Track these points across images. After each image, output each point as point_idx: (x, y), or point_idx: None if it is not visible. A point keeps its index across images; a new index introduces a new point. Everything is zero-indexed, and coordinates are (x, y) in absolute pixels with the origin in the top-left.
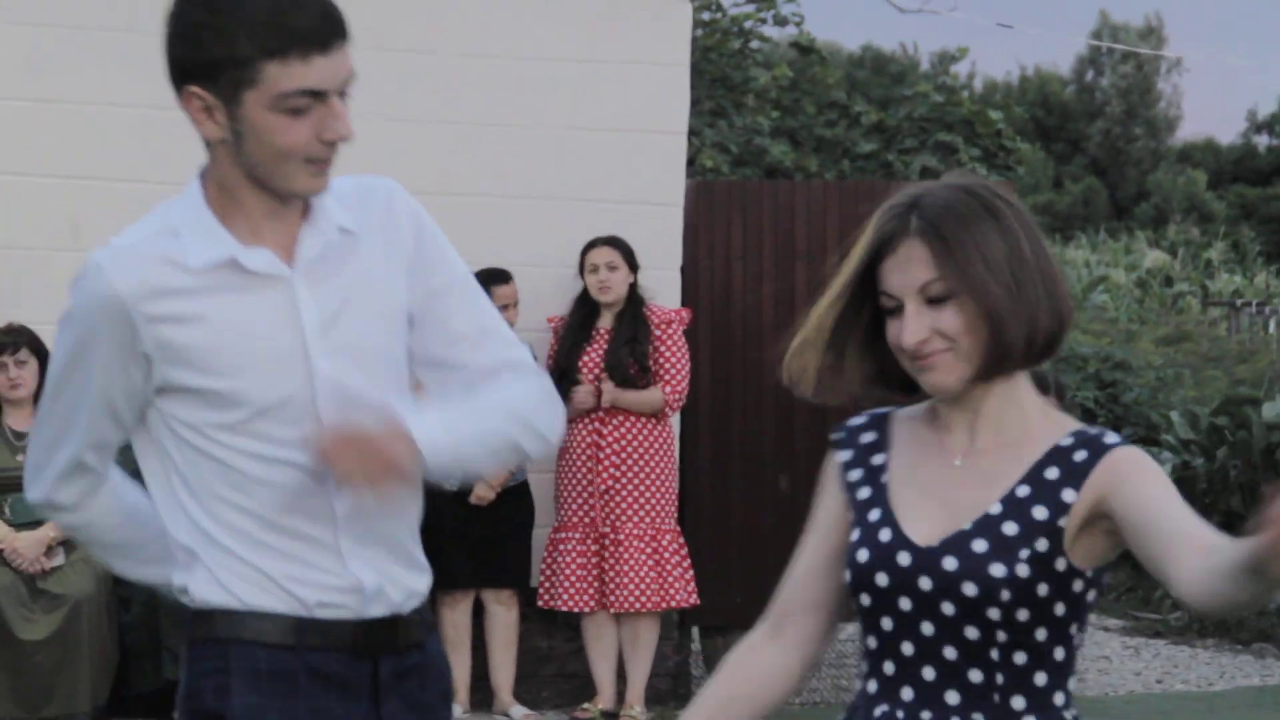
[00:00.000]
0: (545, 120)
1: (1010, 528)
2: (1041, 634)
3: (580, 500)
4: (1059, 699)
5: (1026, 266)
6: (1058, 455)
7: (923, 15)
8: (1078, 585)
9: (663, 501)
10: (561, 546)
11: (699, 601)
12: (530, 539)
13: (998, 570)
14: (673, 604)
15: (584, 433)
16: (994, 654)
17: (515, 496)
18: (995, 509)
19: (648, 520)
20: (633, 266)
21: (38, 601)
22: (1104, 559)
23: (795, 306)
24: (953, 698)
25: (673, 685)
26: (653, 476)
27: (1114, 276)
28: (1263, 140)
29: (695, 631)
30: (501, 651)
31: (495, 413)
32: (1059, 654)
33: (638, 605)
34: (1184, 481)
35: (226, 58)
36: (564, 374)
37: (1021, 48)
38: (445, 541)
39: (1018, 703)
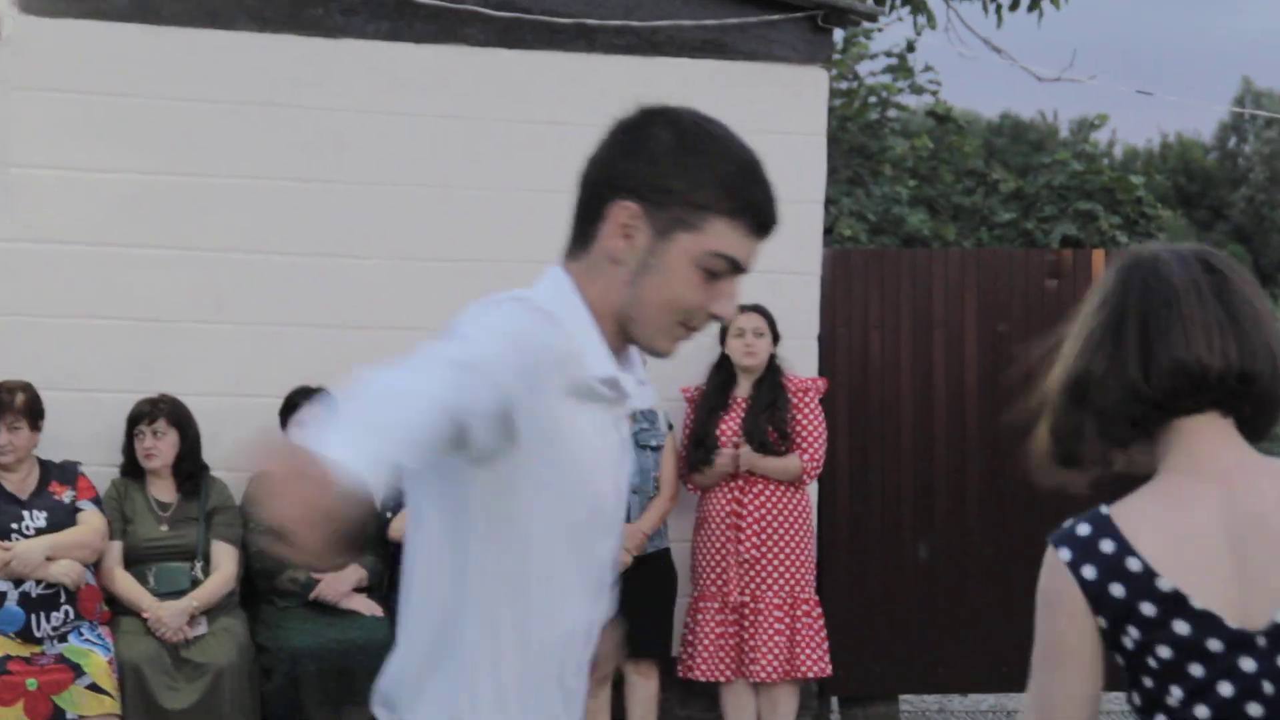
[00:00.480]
0: None
1: None
2: None
3: (719, 569)
4: None
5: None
6: None
7: (1061, 83)
8: None
9: (801, 571)
10: (700, 616)
11: (831, 671)
12: (673, 609)
13: None
14: (810, 674)
15: (723, 501)
16: None
17: (656, 565)
18: None
19: (786, 590)
20: (775, 335)
21: (181, 670)
22: None
23: (933, 375)
24: None
25: None
26: (792, 545)
27: None
28: None
29: (834, 702)
30: (641, 710)
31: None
32: None
33: (776, 675)
34: None
35: (684, 194)
36: (702, 441)
37: (1162, 114)
38: None
39: None
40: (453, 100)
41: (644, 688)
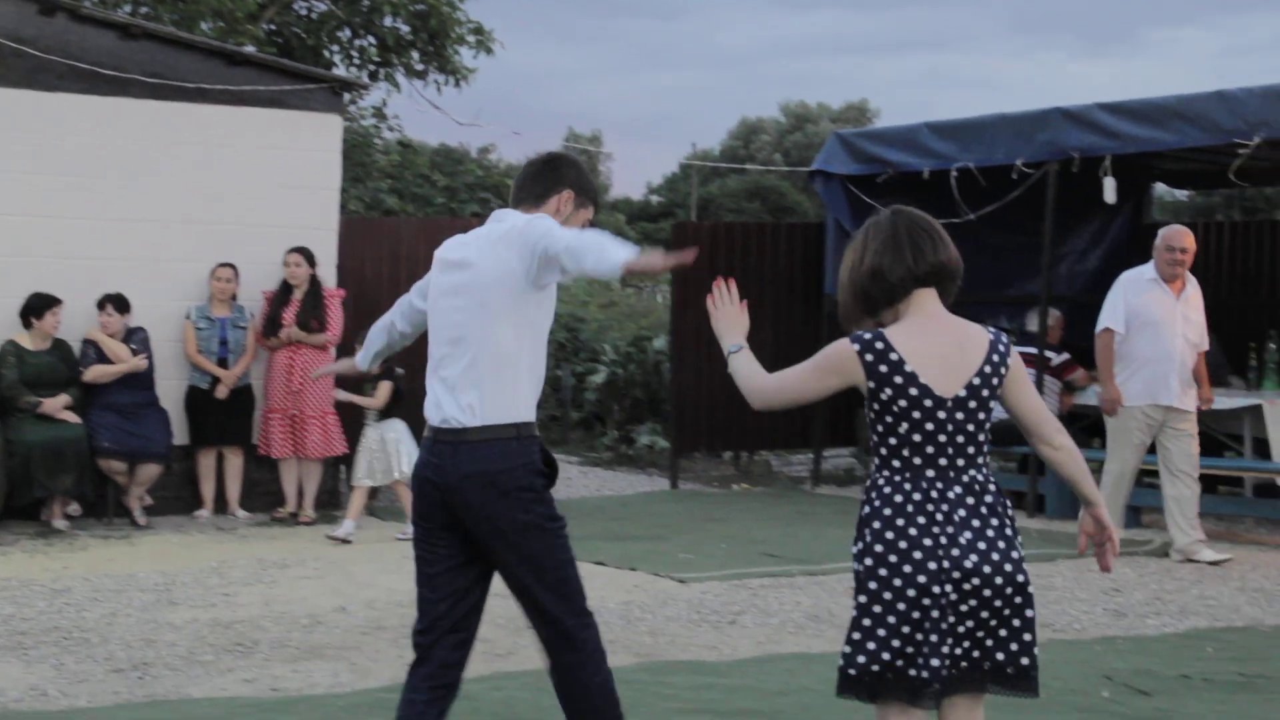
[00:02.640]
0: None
1: None
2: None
3: (280, 394)
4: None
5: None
6: None
7: (473, 126)
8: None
9: (325, 395)
10: (270, 419)
11: (345, 449)
12: (253, 416)
13: None
14: (335, 453)
15: (283, 357)
16: None
17: (246, 391)
18: None
19: (317, 406)
20: (313, 263)
21: None
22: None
23: (398, 285)
24: None
25: (329, 498)
26: (321, 383)
27: None
28: None
29: (342, 470)
30: (233, 479)
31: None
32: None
33: (316, 454)
34: (612, 383)
35: (592, 193)
36: (273, 321)
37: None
38: (201, 415)
39: None
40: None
41: (235, 461)
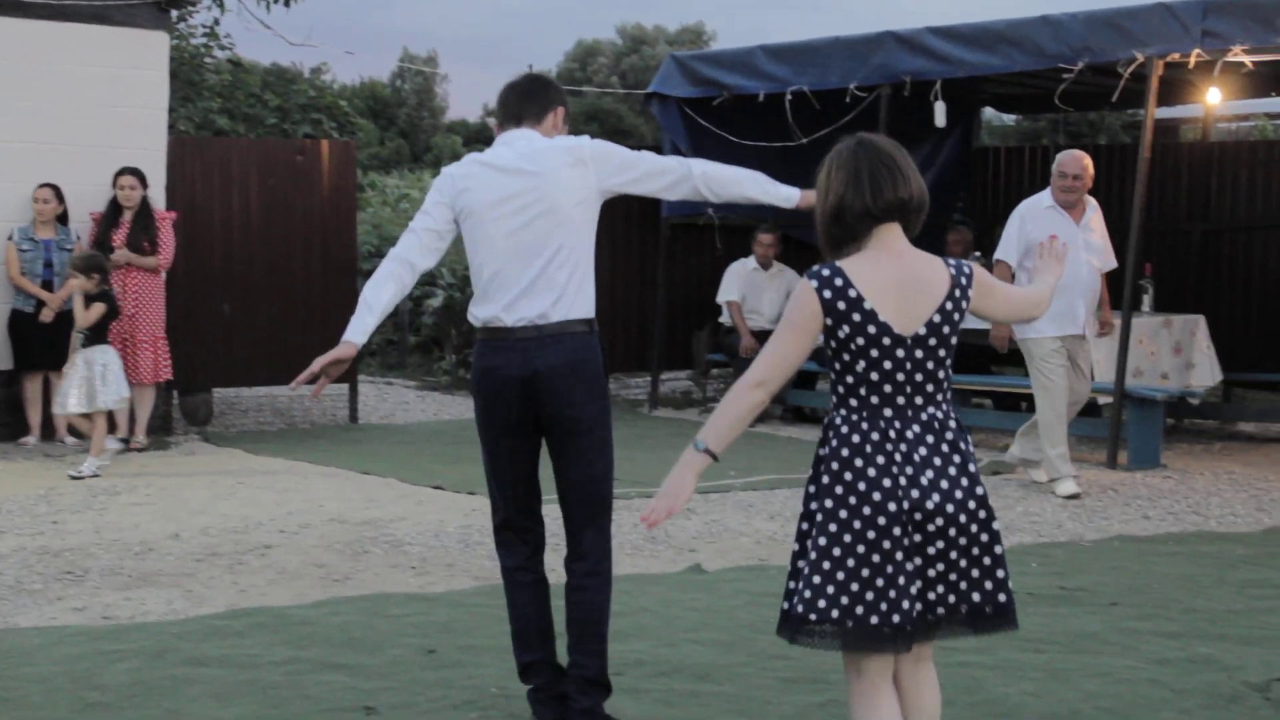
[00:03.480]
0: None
1: None
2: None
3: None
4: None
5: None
6: None
7: (303, 46)
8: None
9: (155, 315)
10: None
11: (172, 376)
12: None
13: None
14: (164, 378)
15: (116, 280)
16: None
17: (69, 316)
18: None
19: (148, 328)
20: (145, 184)
21: None
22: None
23: (231, 203)
24: None
25: (161, 424)
26: (153, 305)
27: (413, 195)
28: None
29: (175, 395)
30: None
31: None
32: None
33: (147, 379)
34: (449, 307)
35: (566, 106)
36: (101, 245)
37: (362, 65)
38: (25, 339)
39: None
40: None
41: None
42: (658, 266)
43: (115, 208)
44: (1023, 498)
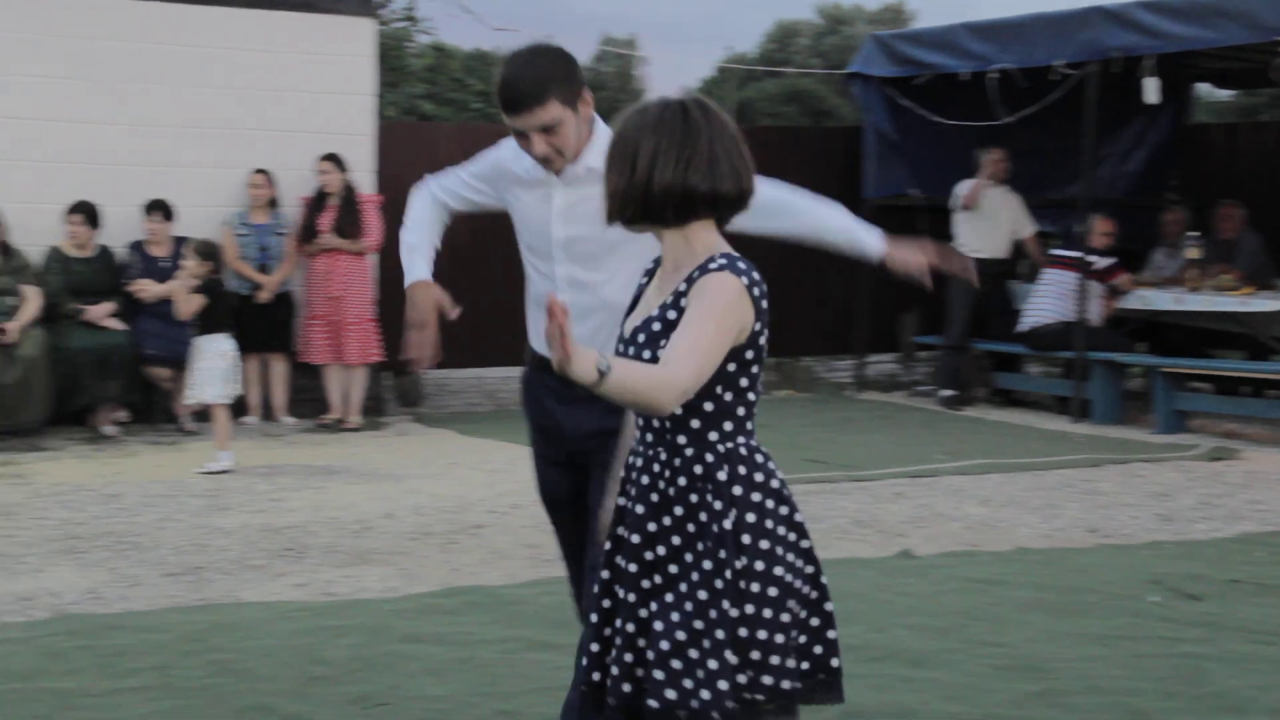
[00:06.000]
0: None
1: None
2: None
3: (323, 301)
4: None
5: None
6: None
7: (506, 30)
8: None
9: (364, 299)
10: (311, 326)
11: (382, 357)
12: (293, 323)
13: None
14: (370, 360)
15: (321, 263)
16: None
17: (287, 298)
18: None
19: (356, 312)
20: (343, 169)
21: (11, 358)
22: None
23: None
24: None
25: (374, 405)
26: (361, 288)
27: None
28: None
29: (388, 374)
30: (278, 386)
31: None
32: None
33: (356, 360)
34: None
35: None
36: (309, 228)
37: None
38: (243, 322)
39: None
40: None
41: (281, 367)
42: None
43: (321, 193)
44: (1246, 485)
